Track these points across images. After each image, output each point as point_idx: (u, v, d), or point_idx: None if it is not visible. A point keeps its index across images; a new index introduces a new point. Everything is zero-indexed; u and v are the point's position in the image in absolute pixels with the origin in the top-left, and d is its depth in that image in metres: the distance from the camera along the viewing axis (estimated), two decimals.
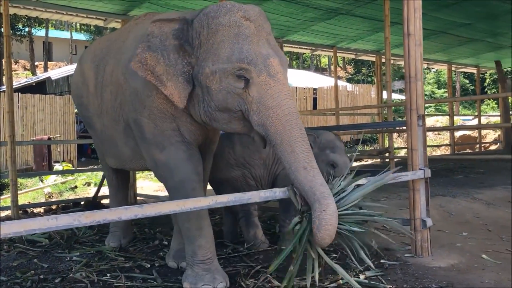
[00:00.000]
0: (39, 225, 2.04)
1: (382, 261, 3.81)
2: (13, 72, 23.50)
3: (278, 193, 2.92)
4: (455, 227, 4.82)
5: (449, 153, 13.76)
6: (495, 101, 27.69)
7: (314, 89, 18.87)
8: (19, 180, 9.78)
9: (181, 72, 2.92)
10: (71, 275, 3.54)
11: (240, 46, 2.73)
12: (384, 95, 14.08)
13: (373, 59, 12.35)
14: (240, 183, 4.18)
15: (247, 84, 2.73)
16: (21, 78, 23.82)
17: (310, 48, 11.14)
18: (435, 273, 3.52)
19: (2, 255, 4.19)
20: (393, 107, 9.30)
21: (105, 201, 6.90)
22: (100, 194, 6.85)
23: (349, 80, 30.74)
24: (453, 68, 14.83)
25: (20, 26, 20.47)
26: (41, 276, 3.53)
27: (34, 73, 25.73)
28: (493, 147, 15.09)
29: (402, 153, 14.01)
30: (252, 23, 2.80)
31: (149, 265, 3.79)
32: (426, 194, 3.97)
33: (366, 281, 3.34)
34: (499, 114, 15.90)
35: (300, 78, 21.47)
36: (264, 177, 4.20)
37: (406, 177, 3.80)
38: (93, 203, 6.60)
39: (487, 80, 28.99)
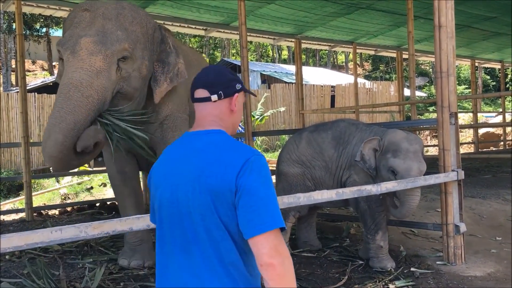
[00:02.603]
0: (42, 238, 1.85)
1: (412, 269, 3.56)
2: (31, 73, 23.68)
3: (302, 198, 2.71)
4: (488, 231, 4.54)
5: (472, 151, 13.35)
6: None
7: (332, 86, 18.54)
8: (36, 180, 9.73)
9: None
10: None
11: (68, 32, 3.14)
12: (406, 92, 13.77)
13: (394, 55, 11.99)
14: (297, 181, 3.94)
15: (62, 62, 3.12)
16: (39, 78, 23.95)
17: (329, 44, 10.83)
18: (471, 283, 3.27)
19: (13, 261, 4.04)
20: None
21: None
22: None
23: (366, 77, 30.25)
24: (476, 64, 14.38)
25: (38, 27, 20.52)
26: (53, 285, 3.36)
27: (52, 73, 25.88)
28: None
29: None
30: (89, 12, 3.14)
31: None
32: (459, 198, 3.71)
33: None
34: None
35: (317, 76, 21.18)
36: (325, 181, 3.86)
37: (438, 179, 3.55)
38: (109, 205, 6.45)
39: (509, 76, 28.24)
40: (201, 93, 1.44)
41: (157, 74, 3.45)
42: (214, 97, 1.42)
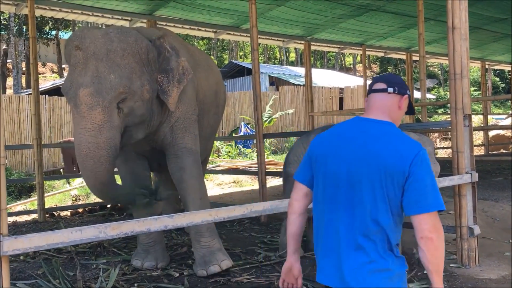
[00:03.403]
0: (62, 238, 1.88)
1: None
2: (41, 75, 23.83)
3: None
4: (501, 234, 4.52)
5: (482, 153, 13.26)
6: None
7: (340, 88, 18.52)
8: (47, 182, 9.78)
9: None
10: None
11: (68, 76, 3.18)
12: (415, 94, 13.70)
13: (403, 56, 11.95)
14: None
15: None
16: (49, 80, 24.15)
17: (338, 46, 10.81)
18: (485, 286, 3.25)
19: (27, 262, 4.08)
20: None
21: None
22: None
23: None
24: (486, 66, 14.28)
25: (47, 29, 20.68)
26: (69, 285, 3.39)
27: (61, 76, 26.06)
28: None
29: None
30: (82, 52, 3.09)
31: (177, 274, 3.62)
32: (473, 200, 3.69)
33: None
34: None
35: (326, 78, 21.15)
36: None
37: (452, 182, 3.53)
38: (120, 207, 6.49)
39: None
40: (380, 85, 1.78)
41: (164, 86, 3.42)
42: (390, 90, 1.76)
